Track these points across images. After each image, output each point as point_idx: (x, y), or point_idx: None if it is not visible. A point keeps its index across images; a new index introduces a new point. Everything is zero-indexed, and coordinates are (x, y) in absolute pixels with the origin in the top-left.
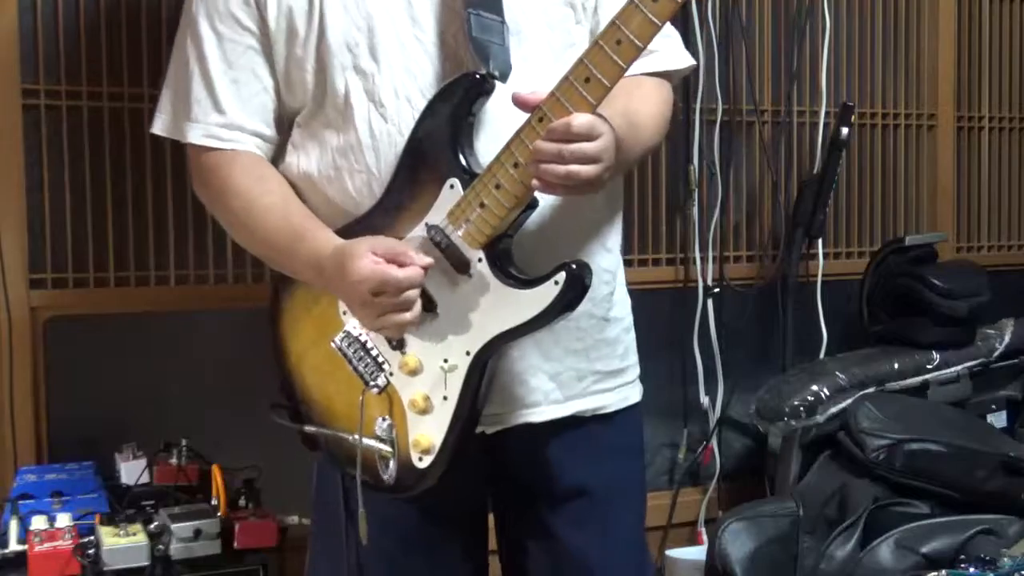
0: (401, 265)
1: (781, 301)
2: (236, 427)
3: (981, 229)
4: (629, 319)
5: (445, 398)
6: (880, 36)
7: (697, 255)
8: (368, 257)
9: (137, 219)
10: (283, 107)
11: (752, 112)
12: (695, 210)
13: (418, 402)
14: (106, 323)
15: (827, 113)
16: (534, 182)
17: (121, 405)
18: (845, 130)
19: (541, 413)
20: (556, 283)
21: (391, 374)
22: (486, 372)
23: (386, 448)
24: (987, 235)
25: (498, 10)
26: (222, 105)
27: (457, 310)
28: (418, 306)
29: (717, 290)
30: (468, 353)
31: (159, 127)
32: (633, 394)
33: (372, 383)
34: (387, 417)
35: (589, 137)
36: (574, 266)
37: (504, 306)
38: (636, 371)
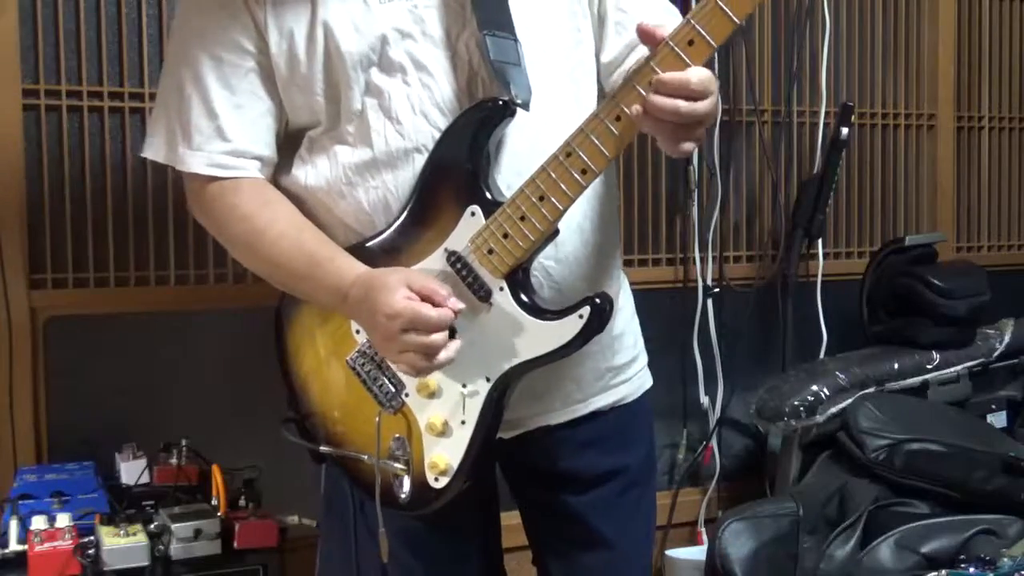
0: (435, 305)
1: (781, 301)
2: (236, 427)
3: (981, 229)
4: (630, 307)
5: (463, 422)
6: (880, 36)
7: (697, 255)
8: (402, 291)
9: (137, 219)
10: (284, 125)
11: (752, 112)
12: (695, 210)
13: (436, 425)
14: (106, 323)
15: (827, 113)
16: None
17: (121, 405)
18: (845, 130)
19: (560, 415)
20: (581, 316)
21: (407, 395)
22: (505, 397)
23: (400, 467)
24: (987, 235)
25: (510, 27)
26: (226, 133)
27: (477, 337)
28: (446, 353)
29: (717, 290)
30: (488, 380)
31: (152, 153)
32: (647, 380)
33: (388, 404)
34: (401, 436)
35: (704, 95)
36: (598, 300)
37: (526, 335)
38: (645, 356)
